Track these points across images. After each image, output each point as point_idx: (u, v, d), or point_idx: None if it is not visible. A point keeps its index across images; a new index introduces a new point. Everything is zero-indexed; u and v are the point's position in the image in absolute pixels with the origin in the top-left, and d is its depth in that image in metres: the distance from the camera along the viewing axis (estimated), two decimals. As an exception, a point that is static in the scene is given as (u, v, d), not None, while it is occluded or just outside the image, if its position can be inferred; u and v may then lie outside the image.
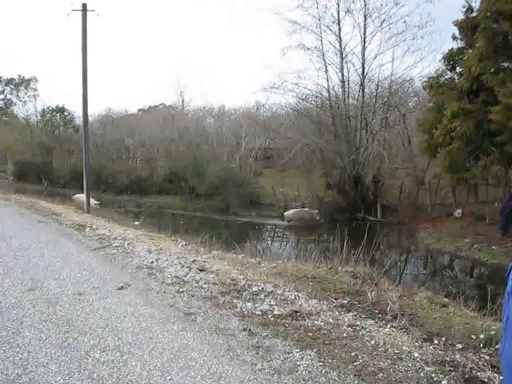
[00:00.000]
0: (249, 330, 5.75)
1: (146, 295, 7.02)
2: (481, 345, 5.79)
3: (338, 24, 33.42)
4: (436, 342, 5.84)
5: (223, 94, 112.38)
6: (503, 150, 19.49)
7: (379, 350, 5.36)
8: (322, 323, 6.18)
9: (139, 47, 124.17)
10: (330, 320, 6.35)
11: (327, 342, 5.48)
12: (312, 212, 30.22)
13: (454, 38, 23.82)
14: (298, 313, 6.52)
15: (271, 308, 6.66)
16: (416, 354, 5.27)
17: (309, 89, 35.66)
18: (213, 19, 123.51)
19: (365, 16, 33.27)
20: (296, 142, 35.89)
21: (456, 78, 23.56)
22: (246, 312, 6.43)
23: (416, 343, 5.70)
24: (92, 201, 30.13)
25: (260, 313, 6.43)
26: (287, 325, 6.01)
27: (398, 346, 5.50)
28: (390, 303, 7.24)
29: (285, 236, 28.39)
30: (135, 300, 6.74)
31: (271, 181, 39.30)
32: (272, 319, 6.23)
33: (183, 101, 60.37)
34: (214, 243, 14.69)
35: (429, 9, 41.85)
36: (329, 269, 9.81)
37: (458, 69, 23.94)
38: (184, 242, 13.13)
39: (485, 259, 19.11)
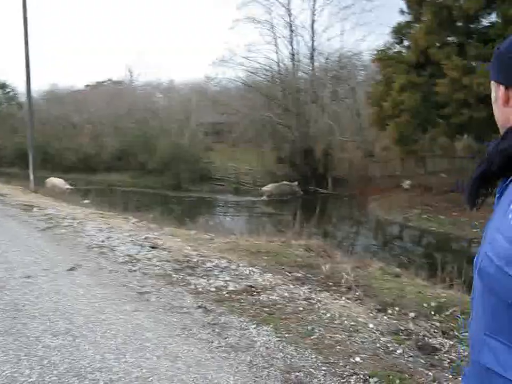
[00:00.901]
0: (204, 307, 5.67)
1: (98, 275, 6.84)
2: (432, 313, 5.91)
3: (288, -4, 33.07)
4: (389, 312, 5.93)
5: (171, 69, 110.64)
6: (450, 122, 19.82)
7: (335, 322, 5.37)
8: (277, 297, 6.16)
9: (84, 20, 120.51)
10: (286, 294, 6.34)
11: (283, 317, 5.45)
12: (292, 184, 29.54)
13: (402, 12, 24.01)
14: (253, 288, 6.49)
15: (225, 284, 6.60)
16: (371, 325, 5.32)
17: (259, 63, 35.61)
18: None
19: (314, -11, 32.99)
20: (246, 116, 35.76)
21: (404, 51, 23.66)
22: (200, 289, 6.35)
23: (370, 314, 5.77)
24: (62, 182, 29.59)
25: (215, 289, 6.37)
26: (242, 301, 5.96)
27: (354, 318, 5.53)
28: (344, 275, 7.28)
29: (238, 211, 28.28)
30: (87, 281, 6.55)
31: (222, 156, 39.07)
32: (227, 295, 6.17)
33: (131, 76, 59.25)
34: (165, 219, 14.56)
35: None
36: (283, 242, 9.83)
37: (406, 43, 24.11)
38: (135, 220, 12.92)
39: (433, 229, 19.53)
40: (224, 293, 6.25)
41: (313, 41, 33.01)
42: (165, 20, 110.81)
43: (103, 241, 8.90)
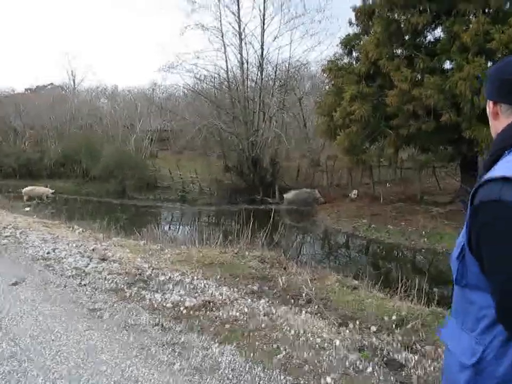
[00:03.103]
0: (162, 325, 5.36)
1: (44, 291, 6.39)
2: (394, 326, 5.84)
3: (238, 4, 33.09)
4: (351, 325, 5.81)
5: (117, 74, 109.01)
6: (398, 132, 20.05)
7: (300, 339, 5.18)
8: (237, 313, 5.91)
9: (26, 21, 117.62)
10: (245, 309, 6.09)
11: (245, 334, 5.20)
12: (312, 191, 28.48)
13: (351, 23, 24.18)
14: (211, 304, 6.21)
15: (182, 299, 6.30)
16: (337, 342, 5.15)
17: (207, 70, 35.28)
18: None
19: (264, -2, 33.02)
20: (193, 124, 35.41)
21: (353, 62, 23.93)
22: (156, 305, 6.03)
23: (333, 329, 5.62)
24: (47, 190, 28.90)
25: (171, 305, 6.05)
26: (201, 317, 5.68)
27: (318, 333, 5.37)
28: (304, 288, 7.13)
29: (186, 220, 27.78)
30: (32, 297, 6.09)
31: (168, 163, 38.55)
32: (184, 311, 5.86)
33: (74, 80, 58.05)
34: (112, 229, 14.11)
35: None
36: (236, 253, 9.57)
37: (354, 54, 24.35)
38: (81, 229, 12.46)
39: (382, 238, 19.59)
40: (182, 308, 5.94)
41: (262, 49, 32.86)
42: (109, 24, 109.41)
43: (48, 253, 8.42)
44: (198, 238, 11.56)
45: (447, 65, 20.54)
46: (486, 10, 19.13)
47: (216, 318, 5.69)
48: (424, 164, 23.91)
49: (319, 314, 6.14)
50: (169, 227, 24.03)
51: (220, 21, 33.30)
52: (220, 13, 33.31)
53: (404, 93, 19.03)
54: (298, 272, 8.64)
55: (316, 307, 6.42)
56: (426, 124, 19.02)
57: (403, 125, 19.85)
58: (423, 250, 18.20)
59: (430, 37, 21.91)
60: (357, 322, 5.91)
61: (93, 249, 8.93)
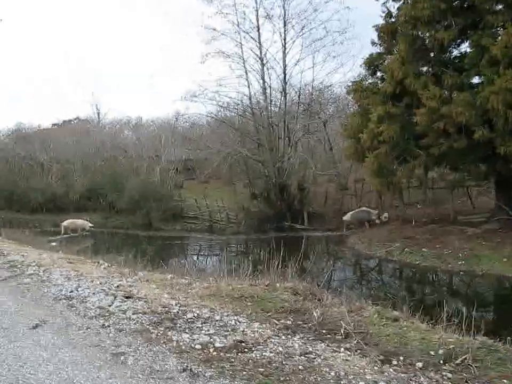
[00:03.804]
0: (190, 370, 4.90)
1: (65, 334, 5.98)
2: (441, 361, 5.39)
3: (258, 30, 33.03)
4: (394, 362, 5.39)
5: (140, 106, 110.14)
6: (429, 152, 19.54)
7: (342, 382, 4.66)
8: (272, 354, 5.45)
9: (50, 61, 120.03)
10: (280, 348, 5.65)
11: (282, 379, 4.74)
12: (371, 210, 27.39)
13: (373, 43, 23.87)
14: (243, 344, 5.76)
15: (211, 339, 5.84)
16: (382, 384, 4.64)
17: (230, 97, 35.12)
18: (126, 29, 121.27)
19: (284, 22, 33.04)
20: (218, 152, 35.19)
21: (378, 82, 23.61)
22: (183, 347, 5.57)
23: (375, 367, 5.16)
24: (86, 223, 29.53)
25: (200, 346, 5.59)
26: (232, 360, 5.22)
27: (361, 375, 4.90)
28: (341, 321, 6.65)
29: (214, 250, 27.33)
30: (53, 341, 5.69)
31: (194, 193, 38.33)
32: (214, 353, 5.41)
33: (98, 114, 58.62)
34: (139, 262, 13.79)
35: (347, 16, 42.46)
36: (267, 286, 9.13)
37: (379, 74, 24.01)
38: (106, 264, 12.14)
39: (417, 262, 19.00)
40: (211, 350, 5.49)
41: (285, 74, 32.71)
42: (131, 56, 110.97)
43: (71, 292, 8.04)
44: (227, 269, 11.13)
45: (476, 80, 20.09)
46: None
47: (248, 360, 5.24)
48: (457, 183, 23.24)
49: (359, 351, 5.71)
50: (197, 258, 23.64)
51: (241, 47, 33.29)
52: (241, 39, 33.21)
53: (432, 111, 18.57)
54: (333, 304, 8.23)
55: (355, 342, 5.99)
56: (458, 142, 18.50)
57: (433, 144, 19.36)
58: (461, 273, 17.53)
59: (456, 52, 21.49)
60: (401, 358, 5.50)
61: (117, 286, 8.53)
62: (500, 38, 18.11)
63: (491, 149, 18.74)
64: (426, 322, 7.49)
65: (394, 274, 19.52)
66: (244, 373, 4.86)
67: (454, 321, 7.23)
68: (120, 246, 26.08)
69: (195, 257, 24.02)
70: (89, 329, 6.16)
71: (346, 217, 27.24)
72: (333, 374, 4.87)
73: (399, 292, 15.90)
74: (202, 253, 26.45)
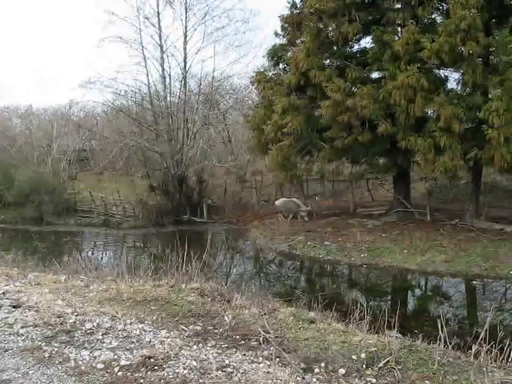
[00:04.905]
0: (93, 398, 4.18)
1: None
2: (364, 366, 5.24)
3: (158, 16, 31.69)
4: (317, 370, 5.12)
5: (29, 93, 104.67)
6: (333, 145, 19.60)
7: (268, 403, 4.20)
8: (185, 370, 4.92)
9: None
10: (194, 363, 5.12)
11: (201, 403, 4.15)
12: (301, 204, 25.02)
13: (277, 34, 23.68)
14: (152, 359, 5.12)
15: (115, 356, 5.20)
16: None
17: (128, 85, 33.70)
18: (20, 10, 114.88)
19: (186, 9, 31.80)
20: (114, 143, 33.82)
21: (281, 73, 23.45)
22: (83, 367, 4.87)
23: (298, 378, 4.83)
24: None
25: (103, 366, 4.93)
26: (141, 381, 4.57)
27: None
28: (258, 328, 6.28)
29: (113, 245, 26.12)
30: None
31: (88, 185, 36.68)
32: (120, 373, 4.78)
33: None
34: (29, 261, 12.73)
35: (250, 5, 42.19)
36: (171, 287, 8.53)
37: (281, 65, 23.89)
38: (-9, 265, 10.96)
39: (321, 256, 18.89)
40: (116, 370, 4.85)
41: (185, 63, 31.63)
42: (20, 38, 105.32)
43: None
44: (126, 267, 10.37)
45: (377, 74, 20.51)
46: (415, 20, 19.15)
47: (160, 380, 4.61)
48: (359, 176, 23.52)
49: (278, 360, 5.31)
50: (93, 255, 22.38)
51: (140, 33, 31.99)
52: (140, 24, 31.96)
53: (337, 104, 18.64)
54: (244, 305, 7.82)
55: (273, 349, 5.58)
56: (362, 135, 18.78)
57: (337, 137, 19.54)
58: (364, 266, 17.65)
59: (358, 47, 21.87)
60: (322, 365, 5.24)
61: (3, 293, 7.56)
62: (401, 34, 18.62)
63: (392, 142, 19.12)
64: (342, 321, 7.39)
65: (298, 269, 19.39)
66: (157, 397, 4.23)
67: (367, 318, 7.13)
68: (7, 243, 24.37)
69: (90, 254, 22.74)
70: (-34, 350, 5.26)
71: (278, 202, 26.10)
72: (257, 392, 4.36)
73: (308, 288, 15.75)
74: (98, 249, 25.12)
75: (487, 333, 5.59)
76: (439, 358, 5.26)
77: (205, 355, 5.32)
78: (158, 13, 31.65)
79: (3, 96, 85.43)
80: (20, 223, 29.86)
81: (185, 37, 31.86)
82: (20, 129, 48.70)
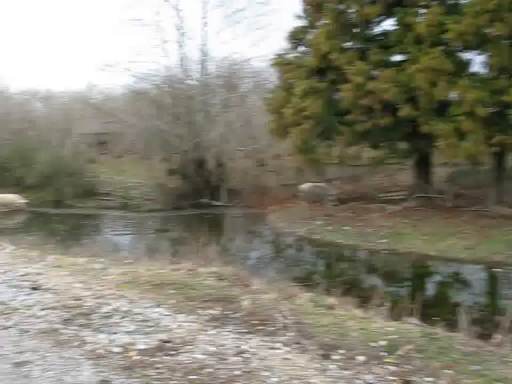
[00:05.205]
0: (110, 382, 4.13)
1: (-44, 339, 5.05)
2: (384, 353, 5.09)
3: (177, -4, 31.63)
4: (336, 357, 4.98)
5: (51, 76, 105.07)
6: (353, 129, 19.42)
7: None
8: (202, 355, 4.81)
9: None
10: (211, 348, 5.03)
11: (218, 389, 4.09)
12: (328, 188, 25.18)
13: (298, 16, 23.38)
14: (169, 344, 5.06)
15: (132, 340, 5.13)
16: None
17: (147, 68, 33.78)
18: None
19: (205, -10, 31.77)
20: (133, 126, 33.89)
21: (302, 56, 23.10)
22: (100, 351, 4.81)
23: (317, 365, 4.71)
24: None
25: (120, 350, 4.87)
26: (158, 366, 4.53)
27: (304, 377, 4.37)
28: (273, 310, 6.29)
29: (132, 228, 26.26)
30: None
31: (108, 168, 36.93)
32: (137, 357, 4.70)
33: (3, 84, 55.29)
34: (49, 243, 12.80)
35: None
36: (190, 270, 8.53)
37: (302, 48, 23.55)
38: (12, 247, 11.03)
39: (339, 241, 18.82)
40: (133, 354, 4.76)
41: (204, 45, 31.71)
42: (39, 23, 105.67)
43: (-33, 282, 7.04)
44: (145, 251, 10.38)
45: (399, 57, 20.16)
46: (438, 1, 18.71)
47: (177, 365, 4.57)
48: (380, 161, 23.26)
49: (296, 346, 5.22)
50: (112, 238, 22.50)
51: (159, 15, 31.93)
52: (159, 7, 31.89)
53: (358, 87, 18.46)
54: (262, 290, 7.74)
55: (291, 335, 5.51)
56: (383, 119, 18.56)
57: (357, 121, 19.32)
58: (384, 251, 17.51)
59: (380, 29, 21.43)
60: (341, 351, 5.09)
61: (23, 275, 7.59)
62: (424, 16, 18.27)
63: (413, 127, 18.86)
64: (361, 307, 7.25)
65: (317, 253, 19.34)
66: (173, 382, 4.17)
67: (387, 304, 7.05)
68: (28, 226, 24.58)
69: (109, 237, 22.89)
70: (-14, 332, 5.25)
71: (304, 187, 25.86)
72: (275, 379, 4.29)
73: (326, 273, 15.71)
74: (117, 232, 25.27)
75: (510, 321, 5.49)
76: (460, 346, 5.16)
77: (222, 340, 5.26)
78: (178, -6, 31.49)
79: (23, 80, 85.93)
80: (40, 206, 30.11)
81: (205, 19, 31.72)
82: (39, 113, 48.93)
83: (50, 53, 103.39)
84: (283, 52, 23.70)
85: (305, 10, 22.89)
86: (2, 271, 7.85)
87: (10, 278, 7.34)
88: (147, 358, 4.68)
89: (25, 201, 29.35)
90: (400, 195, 23.19)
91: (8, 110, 45.60)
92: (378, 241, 18.13)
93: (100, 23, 77.20)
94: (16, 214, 28.68)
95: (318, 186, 24.95)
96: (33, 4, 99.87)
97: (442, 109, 17.87)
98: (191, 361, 4.62)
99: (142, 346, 4.93)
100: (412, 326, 6.04)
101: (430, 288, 14.48)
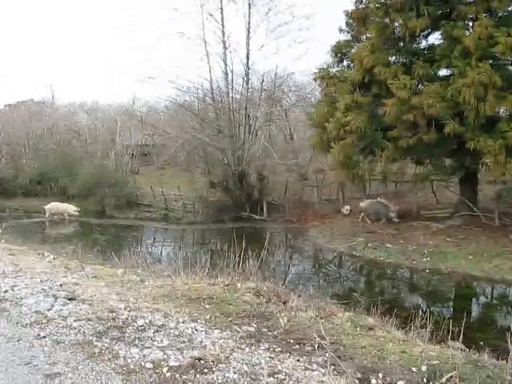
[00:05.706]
0: (139, 399, 4.02)
1: (-8, 348, 5.01)
2: (425, 380, 4.88)
3: (221, 12, 31.66)
4: (373, 381, 4.82)
5: (97, 90, 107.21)
6: (397, 144, 19.04)
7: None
8: (236, 375, 4.69)
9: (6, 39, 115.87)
10: (245, 367, 4.90)
11: (249, 412, 3.94)
12: (389, 204, 23.79)
13: (341, 30, 23.16)
14: (202, 361, 4.92)
15: (165, 356, 5.02)
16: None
17: (190, 81, 34.09)
18: (82, 10, 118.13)
19: (249, 4, 31.80)
20: (176, 138, 34.15)
21: (345, 70, 23.00)
22: (132, 366, 4.72)
23: None
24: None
25: (151, 365, 4.77)
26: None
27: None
28: (311, 330, 6.16)
29: (171, 240, 26.32)
30: (-26, 359, 4.72)
31: (150, 180, 37.24)
32: (168, 374, 4.60)
33: (53, 96, 56.62)
34: (88, 253, 12.83)
35: (312, 1, 41.57)
36: (227, 285, 8.38)
37: (346, 62, 23.38)
38: (52, 256, 11.10)
39: (381, 258, 18.52)
40: (165, 370, 4.67)
41: (248, 59, 31.65)
42: (86, 38, 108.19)
43: (6, 291, 7.06)
44: (183, 263, 10.27)
45: (445, 72, 19.79)
46: (488, 14, 18.30)
47: (209, 384, 4.40)
48: (424, 177, 22.74)
49: (333, 368, 5.03)
50: (151, 250, 22.60)
51: (203, 29, 32.10)
52: (203, 20, 32.06)
53: (402, 102, 18.12)
54: (300, 308, 7.61)
55: (328, 356, 5.31)
56: (428, 135, 18.14)
57: (401, 136, 18.96)
58: (426, 271, 17.06)
59: (426, 43, 21.18)
60: (379, 375, 4.94)
61: (60, 285, 7.57)
62: (472, 29, 17.83)
63: (459, 143, 18.41)
64: (402, 328, 7.06)
65: (358, 271, 18.96)
66: (205, 403, 4.04)
67: (429, 327, 6.89)
68: (70, 235, 24.90)
69: (149, 249, 22.97)
70: (20, 341, 5.22)
71: (364, 204, 24.89)
72: (309, 404, 4.12)
73: (366, 291, 15.32)
74: (156, 244, 25.41)
75: None
76: (509, 377, 4.88)
77: (257, 359, 5.13)
78: (222, 9, 31.66)
79: (71, 92, 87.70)
80: (82, 216, 30.51)
81: (248, 33, 31.81)
82: (85, 124, 49.91)
83: (97, 66, 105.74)
84: (326, 66, 23.52)
85: (348, 24, 22.70)
86: (40, 280, 7.84)
87: (48, 288, 7.32)
88: (179, 375, 4.56)
89: (78, 209, 29.95)
90: (445, 213, 22.62)
91: (55, 121, 46.64)
92: (421, 259, 17.71)
93: (144, 36, 78.22)
94: (71, 223, 29.59)
95: (379, 202, 24.08)
96: (84, 19, 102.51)
97: (490, 124, 17.39)
98: (223, 381, 4.51)
99: (174, 363, 4.82)
100: (455, 351, 5.76)
101: (475, 311, 13.98)
